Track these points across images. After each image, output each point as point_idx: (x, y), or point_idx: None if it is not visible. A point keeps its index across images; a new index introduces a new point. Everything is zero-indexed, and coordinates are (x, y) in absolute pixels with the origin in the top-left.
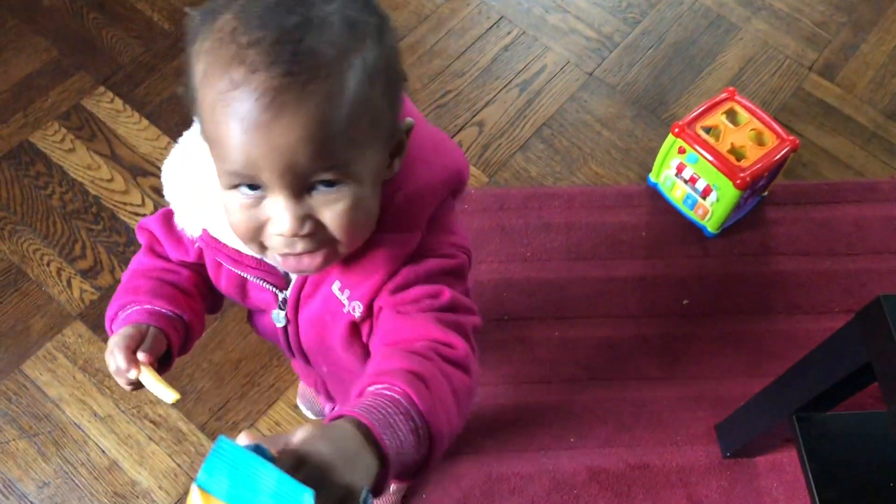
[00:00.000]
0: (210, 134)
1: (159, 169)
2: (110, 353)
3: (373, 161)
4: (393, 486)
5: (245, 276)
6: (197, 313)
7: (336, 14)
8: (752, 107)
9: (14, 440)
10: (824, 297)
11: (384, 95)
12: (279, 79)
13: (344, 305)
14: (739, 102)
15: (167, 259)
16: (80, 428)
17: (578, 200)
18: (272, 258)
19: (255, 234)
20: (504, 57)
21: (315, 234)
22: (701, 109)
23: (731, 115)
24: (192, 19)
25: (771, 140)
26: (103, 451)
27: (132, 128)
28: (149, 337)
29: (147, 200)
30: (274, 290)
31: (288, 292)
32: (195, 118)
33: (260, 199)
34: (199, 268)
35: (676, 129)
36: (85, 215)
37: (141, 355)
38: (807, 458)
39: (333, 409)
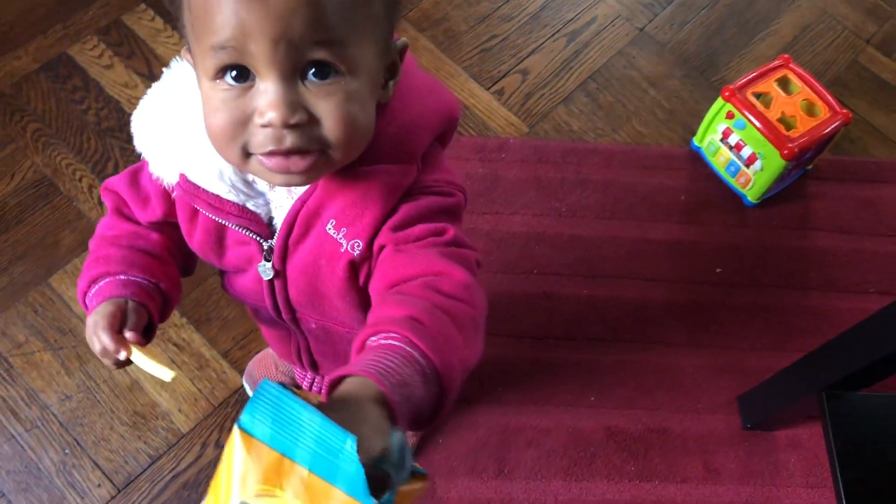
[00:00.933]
0: (197, 8)
1: None
2: (93, 335)
3: (368, 57)
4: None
5: (225, 223)
6: (172, 279)
7: None
8: (807, 76)
9: (39, 352)
10: (860, 276)
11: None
12: None
13: (341, 245)
14: (794, 71)
15: (135, 222)
16: None
17: (618, 158)
18: (255, 164)
19: (238, 132)
20: (554, 4)
21: (307, 129)
22: (753, 75)
23: (784, 83)
24: None
25: (823, 112)
26: (126, 370)
27: (171, 48)
28: (130, 312)
29: None
30: (258, 238)
31: (274, 240)
32: (177, 7)
33: (246, 91)
34: (168, 229)
35: (727, 93)
36: (119, 134)
37: (129, 334)
38: (832, 436)
39: (312, 382)
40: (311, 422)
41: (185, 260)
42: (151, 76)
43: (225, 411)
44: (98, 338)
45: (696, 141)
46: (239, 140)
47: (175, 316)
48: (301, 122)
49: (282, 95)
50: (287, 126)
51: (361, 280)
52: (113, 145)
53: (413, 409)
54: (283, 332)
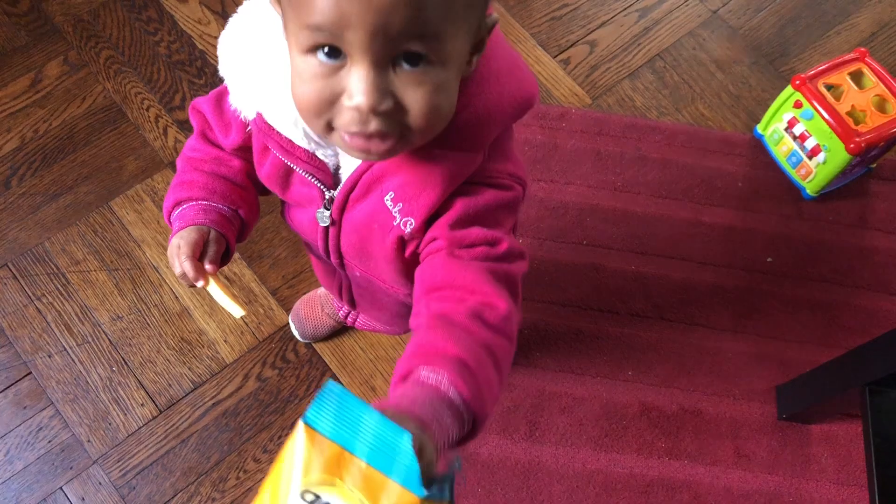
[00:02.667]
0: None
1: None
2: (175, 258)
3: (461, 45)
4: None
5: (293, 167)
6: (251, 205)
7: None
8: (882, 72)
9: (95, 270)
10: None
11: None
12: None
13: (395, 219)
14: (869, 65)
15: (218, 147)
16: (157, 271)
17: (679, 139)
18: (337, 138)
19: (325, 108)
20: None
21: (392, 114)
22: (826, 66)
23: (857, 77)
24: None
25: (895, 109)
26: (176, 297)
27: None
28: (211, 242)
29: None
30: (321, 187)
31: (336, 192)
32: None
33: (337, 69)
34: (247, 154)
35: (797, 81)
36: (189, 68)
37: (208, 266)
38: (871, 432)
39: (348, 314)
40: (371, 420)
41: (262, 184)
42: (224, 14)
43: (269, 346)
44: (181, 263)
45: (759, 129)
46: (325, 115)
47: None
48: (388, 109)
49: (373, 82)
50: (374, 112)
51: (407, 254)
52: (181, 78)
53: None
54: (331, 269)
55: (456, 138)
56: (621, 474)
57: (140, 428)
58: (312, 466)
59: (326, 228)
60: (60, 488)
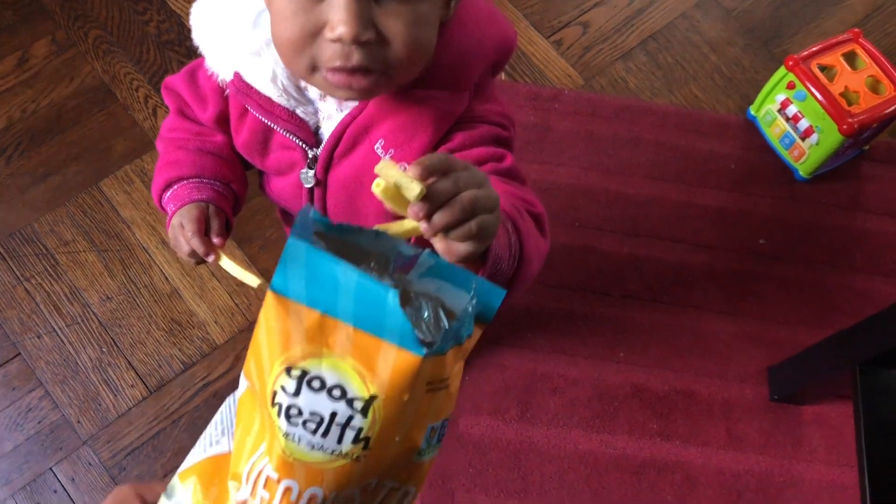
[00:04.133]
0: None
1: None
2: (180, 237)
3: None
4: None
5: (273, 126)
6: (240, 178)
7: None
8: (876, 53)
9: (84, 251)
10: None
11: None
12: None
13: None
14: (863, 46)
15: (198, 123)
16: (147, 252)
17: (672, 120)
18: (320, 79)
19: (307, 43)
20: None
21: (374, 48)
22: (819, 46)
23: (850, 58)
24: None
25: (888, 90)
26: (166, 278)
27: None
28: (212, 216)
29: None
30: (303, 146)
31: (319, 150)
32: None
33: (318, 2)
34: (227, 127)
35: (790, 62)
36: (178, 48)
37: (216, 239)
38: (863, 412)
39: None
40: (348, 277)
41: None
42: None
43: None
44: (188, 241)
45: (752, 110)
46: (308, 53)
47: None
48: (370, 40)
49: (354, 11)
50: (356, 42)
51: None
52: (171, 58)
53: (495, 265)
54: None
55: (440, 76)
56: (613, 455)
57: (130, 409)
58: (293, 339)
59: (311, 191)
60: (50, 469)
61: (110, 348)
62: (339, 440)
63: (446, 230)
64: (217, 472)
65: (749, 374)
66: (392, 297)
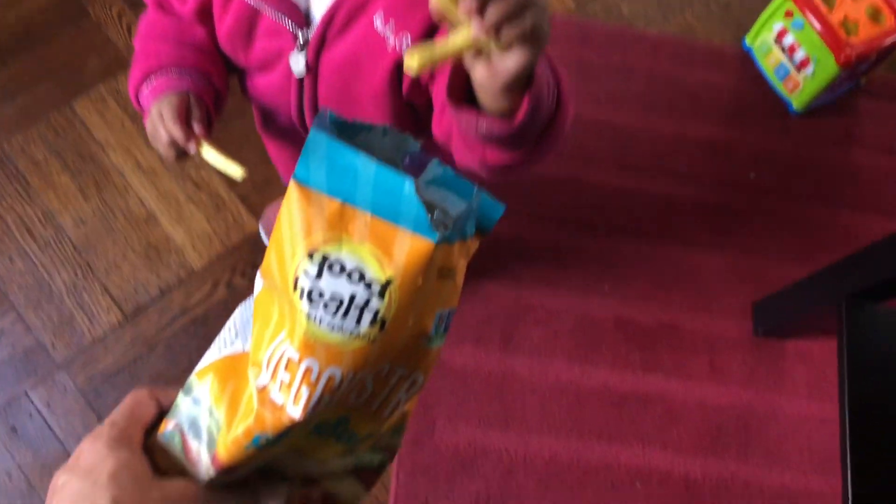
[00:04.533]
0: None
1: None
2: (159, 125)
3: None
4: None
5: (261, 8)
6: (222, 74)
7: None
8: None
9: (57, 173)
10: None
11: None
12: None
13: (387, 41)
14: None
15: (178, 16)
16: (122, 175)
17: (666, 50)
18: None
19: None
20: None
21: None
22: None
23: None
24: None
25: (888, 21)
26: (142, 202)
27: None
28: (194, 105)
29: None
30: (292, 28)
31: (311, 31)
32: None
33: None
34: (208, 20)
35: None
36: None
37: (197, 127)
38: (847, 346)
39: None
40: (367, 168)
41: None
42: None
43: (239, 254)
44: (167, 128)
45: (747, 40)
46: None
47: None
48: None
49: None
50: None
51: (405, 88)
52: None
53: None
54: (295, 150)
55: None
56: (595, 387)
57: (106, 334)
58: (314, 226)
59: (301, 82)
60: (25, 392)
61: (85, 272)
62: (358, 322)
63: (499, 26)
64: (234, 368)
65: (734, 308)
66: (409, 186)
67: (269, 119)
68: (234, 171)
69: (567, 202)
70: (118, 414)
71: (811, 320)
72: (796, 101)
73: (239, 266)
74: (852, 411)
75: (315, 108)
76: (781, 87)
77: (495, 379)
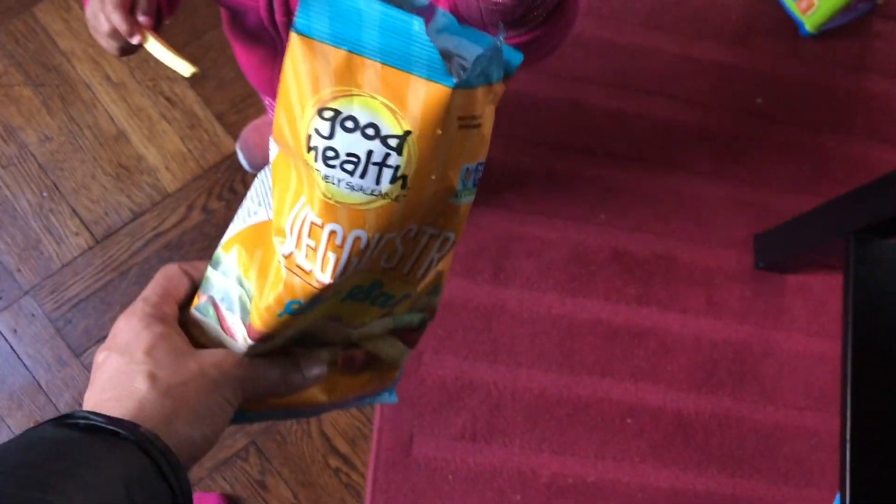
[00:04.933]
0: None
1: None
2: (100, 12)
3: None
4: None
5: None
6: None
7: None
8: None
9: (19, 86)
10: None
11: None
12: None
13: None
14: None
15: None
16: (90, 89)
17: None
18: None
19: None
20: None
21: None
22: None
23: None
24: None
25: None
26: (112, 119)
27: None
28: None
29: None
30: None
31: None
32: None
33: None
34: None
35: None
36: None
37: (142, 18)
38: (853, 283)
39: None
40: (372, 9)
41: None
42: None
43: (215, 176)
44: (107, 16)
45: None
46: None
47: (167, 68)
48: None
49: None
50: None
51: None
52: None
53: None
54: (265, 53)
55: None
56: (587, 320)
57: (76, 258)
58: (322, 81)
59: None
60: None
61: (51, 193)
62: (378, 180)
63: None
64: (259, 236)
65: (734, 240)
66: (418, 25)
67: (237, 19)
68: (183, 67)
69: (562, 126)
70: (150, 290)
71: (815, 255)
72: (809, 21)
73: (215, 189)
74: (855, 350)
75: (286, 2)
76: (794, 7)
77: (484, 311)
